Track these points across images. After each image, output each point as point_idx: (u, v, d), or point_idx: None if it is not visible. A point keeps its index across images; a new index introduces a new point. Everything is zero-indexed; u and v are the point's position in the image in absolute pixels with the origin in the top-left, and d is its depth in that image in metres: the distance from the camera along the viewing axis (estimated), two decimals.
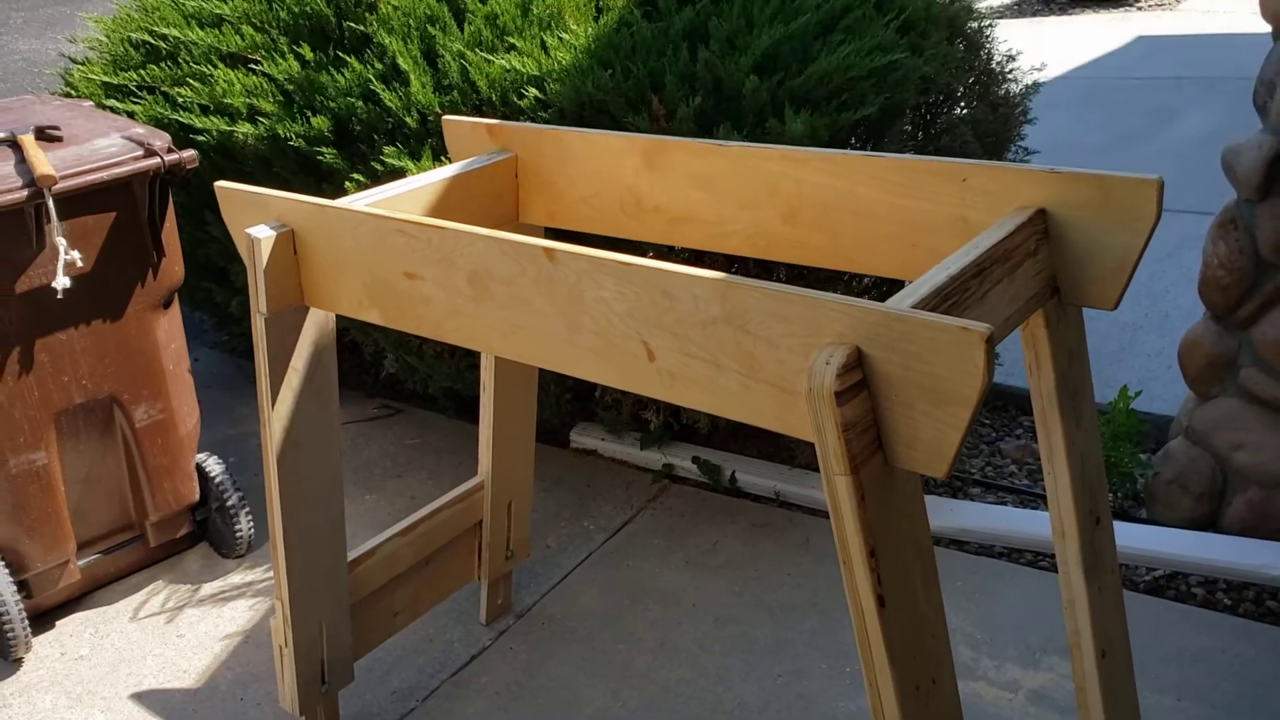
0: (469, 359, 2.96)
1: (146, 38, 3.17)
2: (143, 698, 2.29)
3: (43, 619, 2.51)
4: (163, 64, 3.06)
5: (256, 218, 1.74)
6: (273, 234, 1.70)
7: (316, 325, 1.82)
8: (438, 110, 2.60)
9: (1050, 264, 1.49)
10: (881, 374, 1.20)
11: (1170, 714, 2.09)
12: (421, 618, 2.37)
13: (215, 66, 2.95)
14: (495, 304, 1.51)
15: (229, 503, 2.65)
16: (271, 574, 2.60)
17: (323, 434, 1.90)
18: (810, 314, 1.23)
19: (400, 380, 3.28)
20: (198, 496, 2.64)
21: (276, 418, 1.83)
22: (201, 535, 2.76)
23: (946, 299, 1.28)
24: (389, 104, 2.64)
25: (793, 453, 2.91)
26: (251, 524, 2.69)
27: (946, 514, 2.65)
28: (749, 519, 2.77)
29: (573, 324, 1.45)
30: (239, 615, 2.52)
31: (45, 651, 2.43)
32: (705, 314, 1.32)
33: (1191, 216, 4.32)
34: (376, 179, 2.61)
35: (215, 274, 3.27)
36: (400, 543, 2.19)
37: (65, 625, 2.51)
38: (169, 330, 2.52)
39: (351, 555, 2.09)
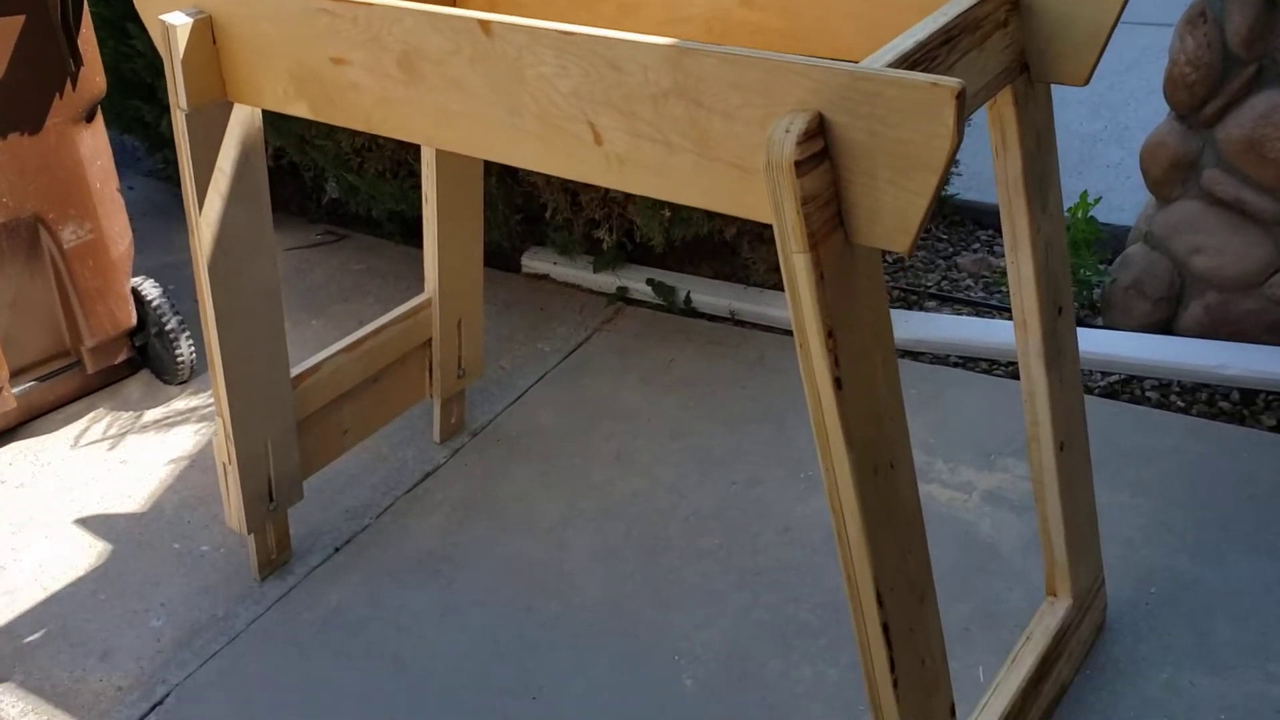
0: (412, 179, 2.85)
1: None
2: (86, 523, 2.24)
3: None
4: None
5: (171, 4, 1.61)
6: (189, 21, 1.57)
7: (242, 123, 1.71)
8: None
9: (1020, 37, 1.41)
10: (844, 141, 1.12)
11: (1125, 511, 2.10)
12: (373, 436, 2.32)
13: None
14: (428, 87, 1.41)
15: (168, 327, 2.56)
16: None
17: (255, 241, 1.81)
18: (770, 80, 1.15)
19: (344, 204, 3.16)
20: (135, 321, 2.54)
21: (205, 224, 1.73)
22: (142, 362, 2.67)
23: (914, 65, 1.20)
24: None
25: (748, 271, 2.85)
26: (193, 349, 2.60)
27: (901, 325, 2.61)
28: (704, 338, 2.73)
29: (512, 106, 1.35)
30: (184, 441, 2.46)
31: None
32: (656, 87, 1.23)
33: (1153, 29, 4.20)
34: None
35: (142, 91, 3.11)
36: (346, 359, 2.12)
37: (3, 454, 2.44)
38: (93, 146, 2.39)
39: (295, 372, 2.03)
